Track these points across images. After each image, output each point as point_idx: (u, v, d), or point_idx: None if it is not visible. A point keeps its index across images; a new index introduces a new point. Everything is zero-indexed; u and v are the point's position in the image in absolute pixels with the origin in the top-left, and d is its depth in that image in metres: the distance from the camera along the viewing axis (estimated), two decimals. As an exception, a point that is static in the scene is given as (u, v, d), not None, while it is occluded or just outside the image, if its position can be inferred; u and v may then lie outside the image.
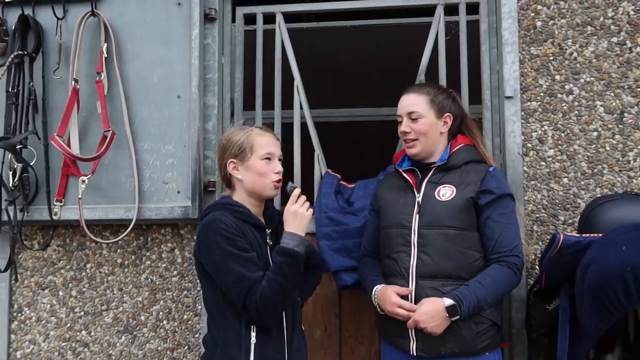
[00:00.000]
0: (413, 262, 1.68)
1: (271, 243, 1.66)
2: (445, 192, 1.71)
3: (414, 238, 1.70)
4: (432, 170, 1.77)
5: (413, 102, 1.77)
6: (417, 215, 1.71)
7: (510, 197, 1.74)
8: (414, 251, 1.69)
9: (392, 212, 1.79)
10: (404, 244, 1.71)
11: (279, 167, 1.66)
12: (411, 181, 1.79)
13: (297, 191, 1.61)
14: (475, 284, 1.62)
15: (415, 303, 1.65)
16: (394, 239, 1.75)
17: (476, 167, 1.75)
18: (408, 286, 1.68)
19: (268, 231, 1.67)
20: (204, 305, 1.72)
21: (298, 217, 1.57)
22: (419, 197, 1.74)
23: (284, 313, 1.60)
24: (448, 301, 1.59)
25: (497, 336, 1.69)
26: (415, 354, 1.67)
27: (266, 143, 1.64)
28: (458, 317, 1.59)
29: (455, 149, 1.78)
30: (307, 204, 1.60)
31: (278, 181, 1.65)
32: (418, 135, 1.75)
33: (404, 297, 1.67)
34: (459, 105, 1.86)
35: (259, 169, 1.62)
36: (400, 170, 1.83)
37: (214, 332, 1.59)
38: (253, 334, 1.54)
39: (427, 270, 1.66)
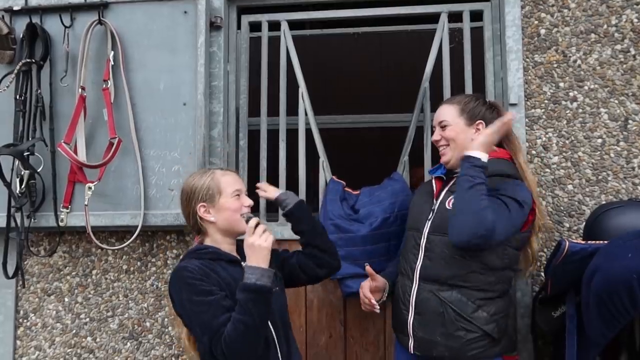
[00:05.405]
0: (418, 264, 1.73)
1: None
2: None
3: (423, 242, 1.74)
4: (454, 179, 1.76)
5: (443, 112, 1.81)
6: (430, 222, 1.75)
7: (516, 202, 1.61)
8: (421, 254, 1.73)
9: (412, 215, 1.86)
10: (415, 247, 1.76)
11: (248, 200, 1.67)
12: (435, 188, 1.82)
13: (253, 222, 1.53)
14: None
15: (416, 302, 1.70)
16: (409, 241, 1.81)
17: (497, 180, 1.68)
18: (412, 286, 1.72)
19: (244, 263, 1.60)
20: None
21: (256, 250, 1.50)
22: (435, 205, 1.77)
23: (274, 336, 1.56)
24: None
25: (491, 347, 1.65)
26: (412, 352, 1.73)
27: (232, 181, 1.66)
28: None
29: None
30: (266, 234, 1.52)
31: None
32: (448, 141, 1.78)
33: (408, 292, 1.73)
34: (499, 114, 1.78)
35: (231, 206, 1.62)
36: (432, 176, 1.87)
37: None
38: None
39: (427, 273, 1.70)
